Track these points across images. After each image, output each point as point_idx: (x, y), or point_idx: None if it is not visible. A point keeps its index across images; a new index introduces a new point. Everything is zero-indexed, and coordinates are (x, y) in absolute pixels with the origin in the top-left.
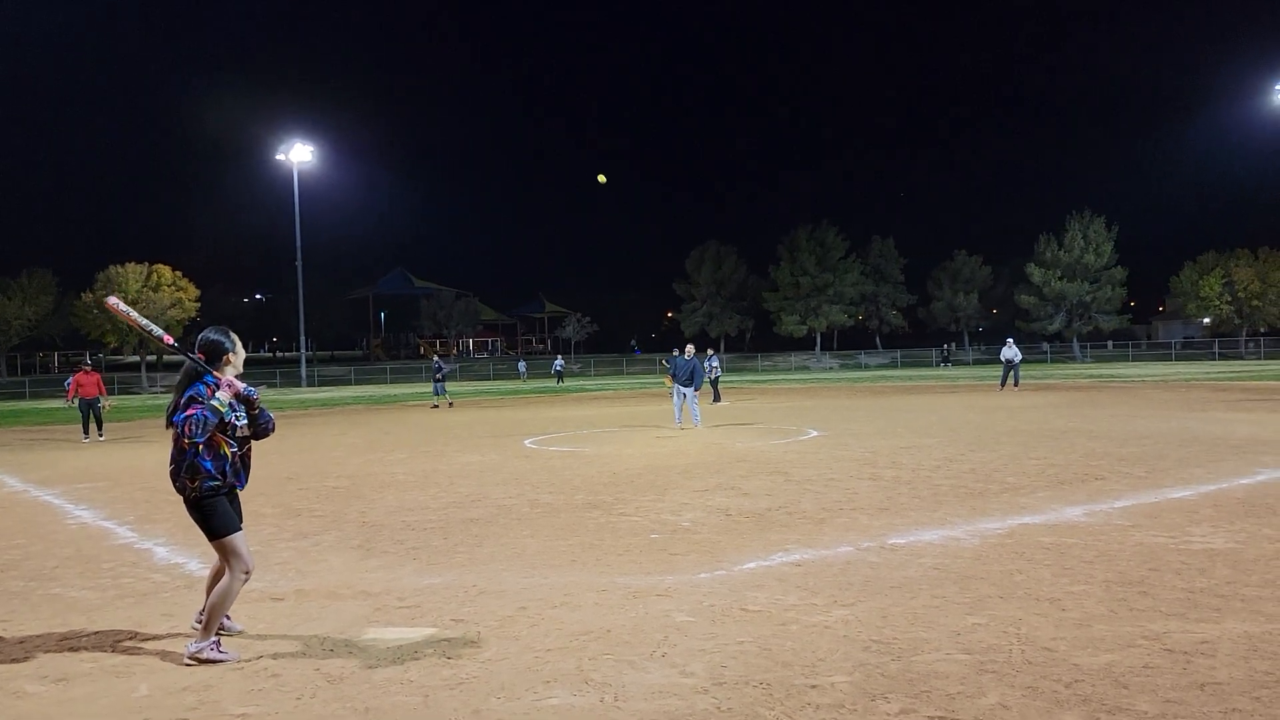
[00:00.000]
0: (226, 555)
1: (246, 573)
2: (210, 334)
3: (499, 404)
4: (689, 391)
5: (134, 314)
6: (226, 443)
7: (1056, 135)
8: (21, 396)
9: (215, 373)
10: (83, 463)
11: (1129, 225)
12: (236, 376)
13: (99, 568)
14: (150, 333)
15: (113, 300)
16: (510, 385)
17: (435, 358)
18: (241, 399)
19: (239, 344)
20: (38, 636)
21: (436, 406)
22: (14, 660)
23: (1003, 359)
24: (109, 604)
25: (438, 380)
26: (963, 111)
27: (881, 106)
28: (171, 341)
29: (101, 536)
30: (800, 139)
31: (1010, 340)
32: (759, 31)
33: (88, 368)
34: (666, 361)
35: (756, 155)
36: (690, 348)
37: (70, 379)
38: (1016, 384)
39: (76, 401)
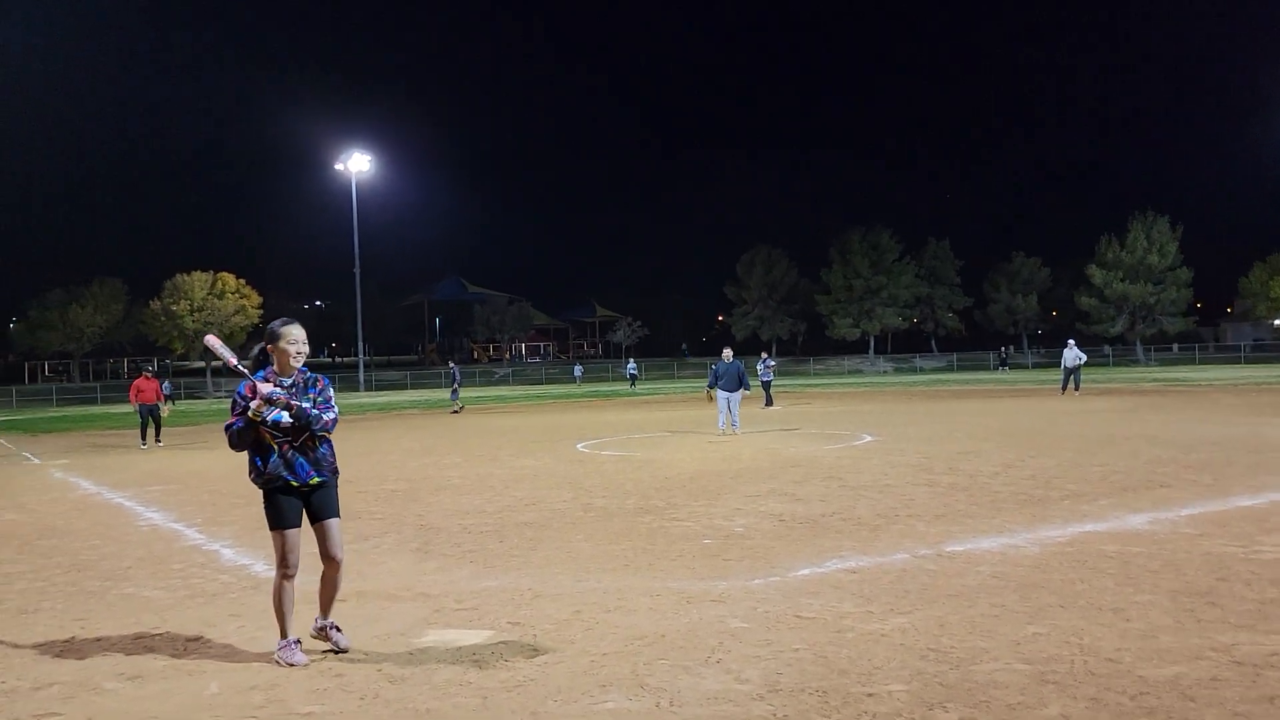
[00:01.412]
0: (273, 549)
1: (286, 572)
2: (273, 325)
3: (551, 408)
4: (735, 397)
5: (228, 352)
6: (271, 435)
7: (1118, 133)
8: (93, 401)
9: (267, 371)
10: (152, 466)
11: (1195, 225)
12: (296, 365)
13: (169, 568)
14: (240, 370)
15: (211, 339)
16: (562, 389)
17: (451, 364)
18: (268, 399)
19: (288, 335)
20: (114, 635)
21: (457, 411)
22: (92, 658)
23: (1064, 364)
24: (179, 604)
25: (456, 386)
26: (1020, 109)
27: (936, 105)
28: (252, 379)
29: (171, 538)
30: (852, 139)
31: (1071, 342)
32: (811, 32)
33: (149, 373)
34: (713, 366)
35: (807, 157)
36: (728, 351)
37: (133, 383)
38: (1077, 388)
39: (137, 406)
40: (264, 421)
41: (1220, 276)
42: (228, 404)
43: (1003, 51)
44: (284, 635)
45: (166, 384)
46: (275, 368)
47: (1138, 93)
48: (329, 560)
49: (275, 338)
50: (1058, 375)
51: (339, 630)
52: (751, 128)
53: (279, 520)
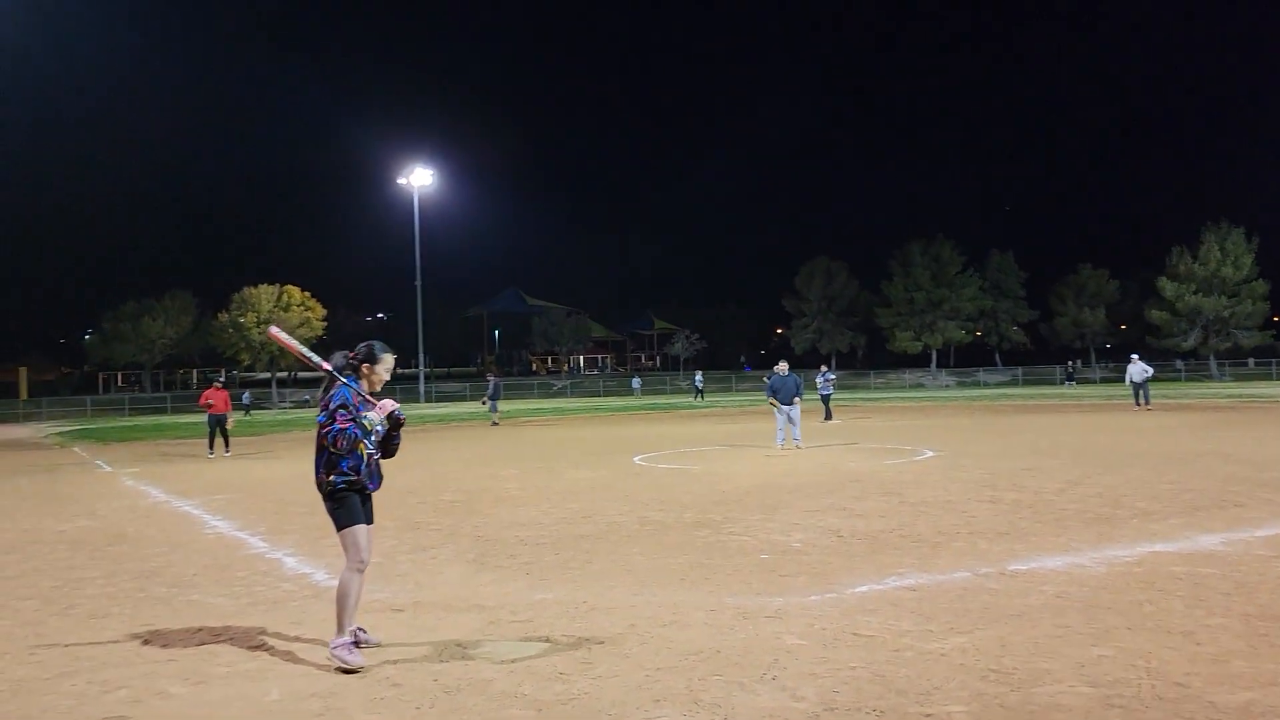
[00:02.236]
0: (345, 546)
1: (361, 566)
2: (367, 343)
3: (609, 420)
4: (794, 410)
5: (294, 341)
6: (365, 444)
7: (1189, 142)
8: (163, 411)
9: (358, 383)
10: (218, 475)
11: (1272, 235)
12: (374, 389)
13: (233, 576)
14: (309, 359)
15: (274, 330)
16: (620, 402)
17: (490, 377)
18: (391, 419)
19: (387, 363)
20: (179, 640)
21: (496, 424)
22: (158, 662)
23: (1129, 379)
24: (243, 611)
25: (493, 399)
26: (1087, 118)
27: (999, 115)
28: (328, 367)
29: (236, 546)
30: (914, 150)
31: (1135, 357)
32: (871, 43)
33: (219, 384)
34: (767, 379)
35: (867, 167)
36: (784, 364)
37: (205, 392)
38: (1147, 402)
39: (207, 417)
40: (368, 430)
41: None
42: (294, 414)
43: (1068, 61)
44: (344, 630)
45: (247, 395)
46: (365, 385)
47: (1209, 100)
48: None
49: (375, 360)
50: (1126, 390)
51: (365, 631)
52: (812, 139)
53: (357, 516)
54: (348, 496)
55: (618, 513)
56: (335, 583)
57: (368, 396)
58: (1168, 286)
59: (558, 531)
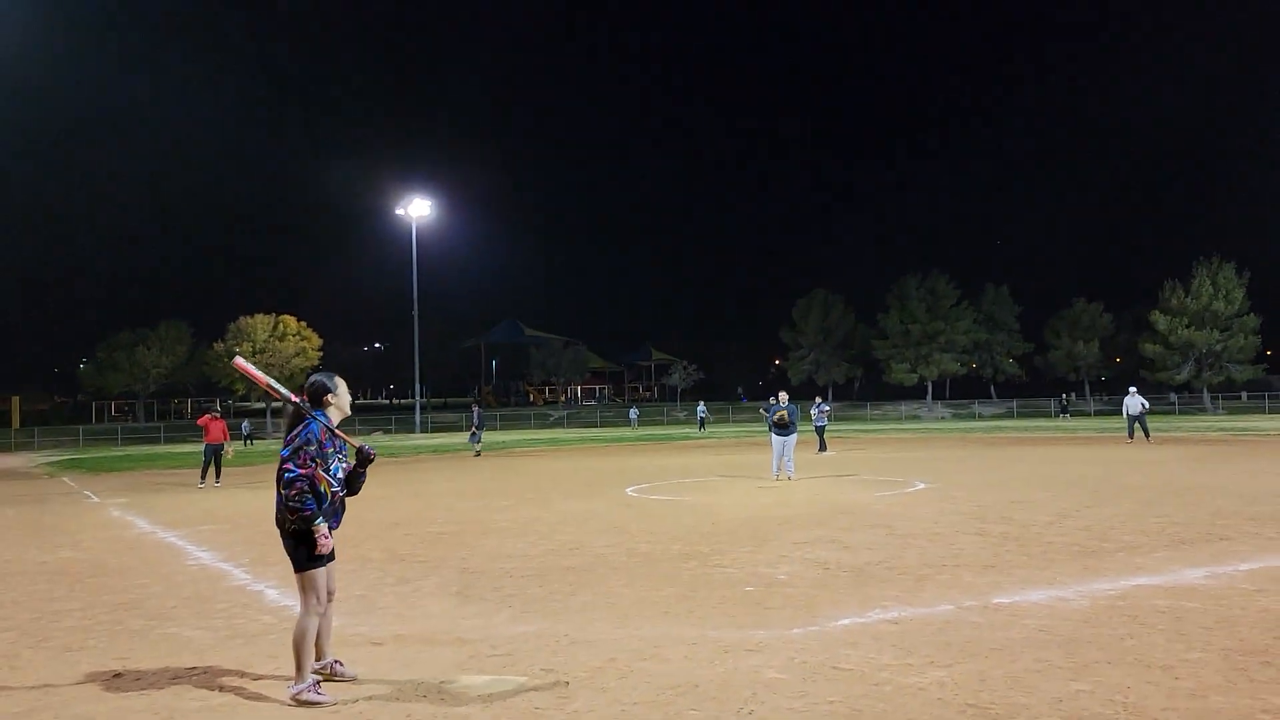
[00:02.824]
0: (303, 588)
1: (320, 609)
2: (315, 376)
3: (605, 451)
4: (789, 441)
5: (258, 371)
6: (329, 481)
7: (1181, 178)
8: (156, 440)
9: (326, 415)
10: (208, 506)
11: (1263, 270)
12: (341, 421)
13: (214, 608)
14: (277, 391)
15: (239, 360)
16: (616, 433)
17: (475, 408)
18: (360, 455)
19: (343, 388)
20: (152, 674)
21: (479, 454)
22: (128, 698)
23: (1126, 412)
24: (220, 644)
25: (476, 429)
26: (1080, 153)
27: (994, 151)
28: (296, 399)
29: (219, 577)
30: (909, 184)
31: (1133, 390)
32: (868, 80)
33: (216, 413)
34: (764, 410)
35: (864, 201)
36: (784, 394)
37: (201, 419)
38: (1147, 435)
39: (204, 446)
40: (328, 465)
41: None
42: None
43: (1064, 97)
44: (306, 675)
45: (247, 424)
46: (336, 414)
47: (1201, 136)
48: (330, 598)
49: (331, 390)
50: (1122, 423)
51: (342, 664)
52: (807, 173)
53: (323, 558)
54: (310, 537)
55: (606, 545)
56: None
57: (336, 432)
58: (1161, 320)
59: (544, 564)
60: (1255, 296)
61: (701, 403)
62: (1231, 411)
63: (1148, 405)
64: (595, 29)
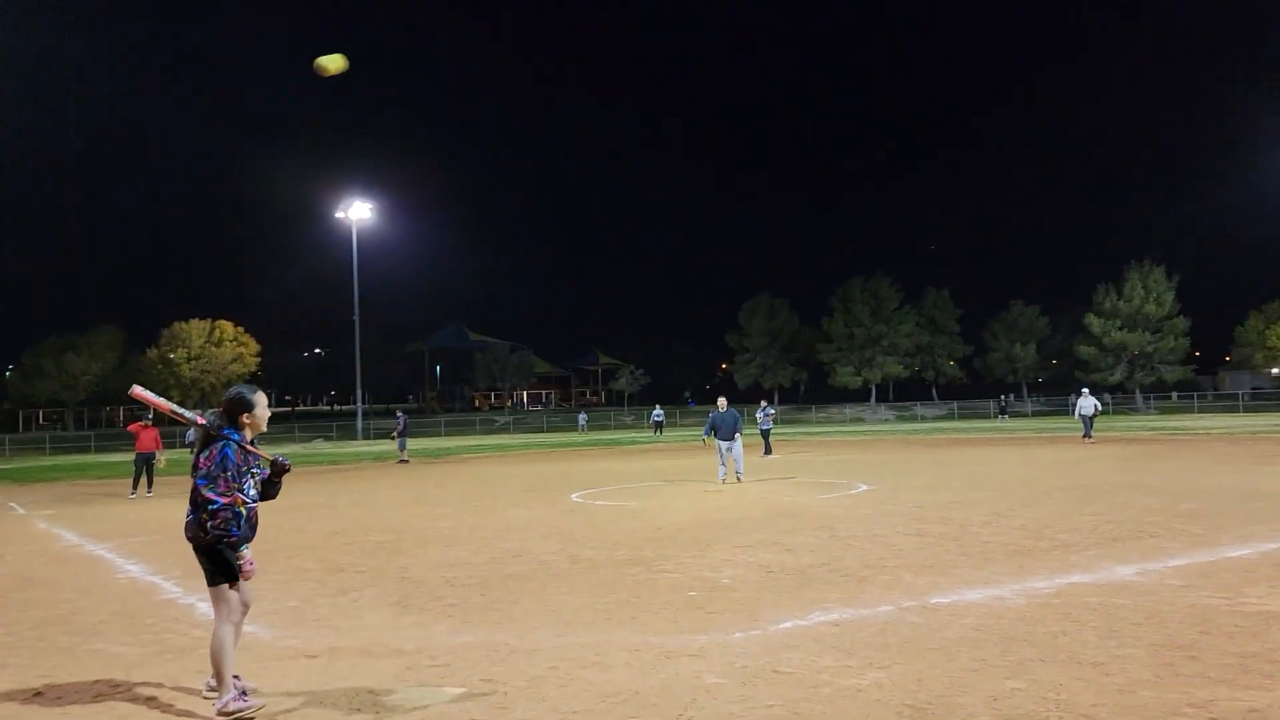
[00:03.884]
0: (217, 601)
1: (235, 620)
2: (236, 389)
3: (551, 457)
4: (736, 445)
5: (157, 398)
6: (244, 500)
7: (1117, 183)
8: (87, 450)
9: (241, 435)
10: (138, 517)
11: (1192, 274)
12: (258, 436)
13: (143, 623)
14: (181, 416)
15: (137, 388)
16: (563, 438)
17: (400, 414)
18: (275, 466)
19: (262, 404)
20: (76, 691)
21: (406, 461)
22: (50, 714)
23: (1080, 412)
24: (149, 660)
25: (399, 435)
26: (1019, 160)
27: (935, 157)
28: (202, 421)
29: (149, 591)
30: (854, 190)
31: (1086, 390)
32: (811, 84)
33: (146, 421)
34: (710, 415)
35: (810, 207)
36: (723, 400)
37: (131, 426)
38: (1089, 436)
39: (135, 455)
40: (243, 490)
41: (1218, 325)
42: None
43: (1001, 102)
44: (229, 685)
45: (191, 432)
46: (249, 433)
47: (1133, 142)
48: (245, 610)
49: (250, 406)
50: (1058, 423)
51: (240, 678)
52: (754, 177)
53: (233, 573)
54: (226, 551)
55: (549, 551)
56: (250, 628)
57: (250, 448)
58: (1095, 323)
59: (486, 572)
60: (1184, 299)
61: (658, 407)
62: (1162, 411)
63: (1099, 406)
64: (539, 30)
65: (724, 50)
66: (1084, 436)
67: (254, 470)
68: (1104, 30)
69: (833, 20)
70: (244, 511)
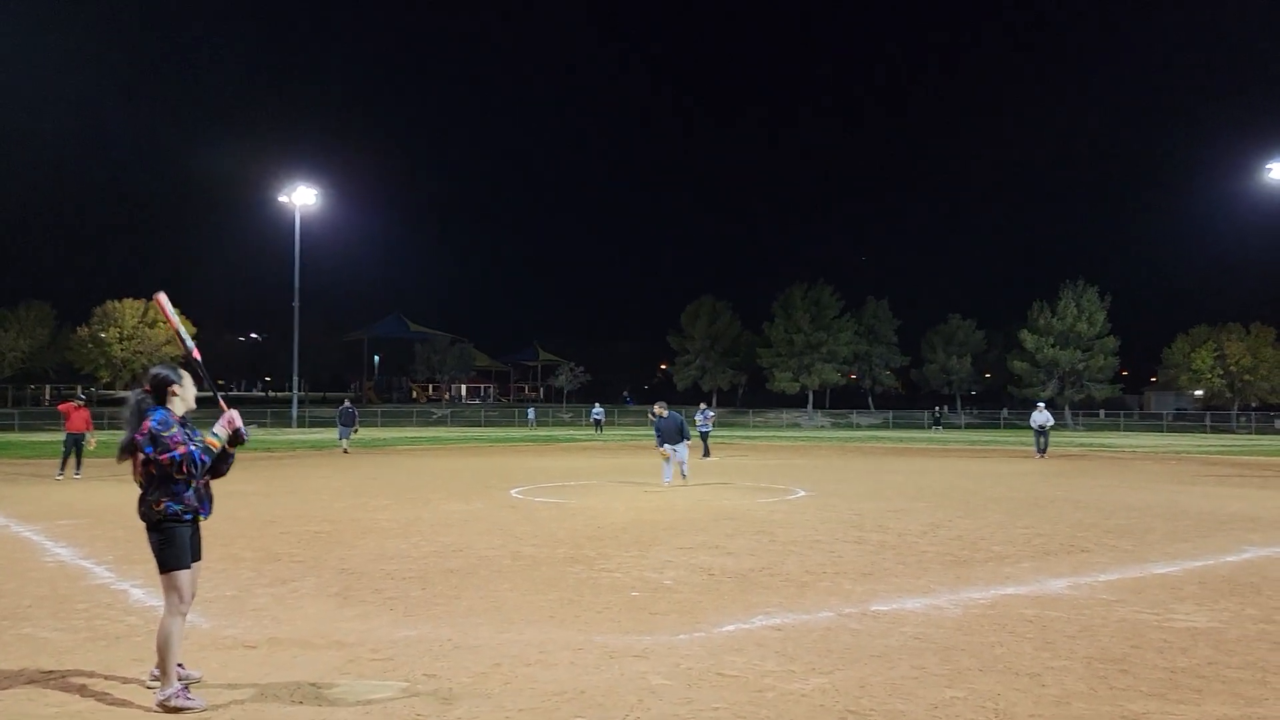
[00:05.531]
0: (167, 589)
1: (184, 610)
2: (156, 369)
3: (488, 452)
4: (681, 449)
5: (175, 317)
6: (213, 439)
7: (1052, 204)
8: (11, 429)
9: (168, 409)
10: (66, 498)
11: (1122, 295)
12: (186, 413)
13: (73, 608)
14: (184, 341)
15: (161, 297)
16: (501, 432)
17: (347, 402)
18: (234, 435)
19: (188, 380)
20: (4, 678)
21: (347, 451)
22: None
23: (1033, 425)
24: (80, 646)
25: (347, 425)
26: (959, 177)
27: (879, 169)
28: (198, 356)
29: (78, 576)
30: (796, 197)
31: (1041, 405)
32: (759, 89)
33: (79, 402)
34: (652, 417)
35: (755, 213)
36: (661, 404)
37: (62, 406)
38: (1041, 452)
39: (65, 435)
40: (211, 453)
41: (1145, 346)
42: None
43: (942, 121)
44: (174, 679)
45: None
46: (181, 406)
47: (1071, 164)
48: (192, 597)
49: (176, 378)
50: (990, 437)
51: (183, 666)
52: (699, 178)
53: (184, 558)
54: (177, 530)
55: (490, 547)
56: (188, 616)
57: (182, 420)
58: (1029, 339)
59: (426, 565)
60: (1115, 320)
61: (598, 404)
62: (1090, 428)
63: (1052, 420)
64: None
65: (673, 46)
66: (1040, 453)
67: (194, 440)
68: (1047, 54)
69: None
70: (193, 484)
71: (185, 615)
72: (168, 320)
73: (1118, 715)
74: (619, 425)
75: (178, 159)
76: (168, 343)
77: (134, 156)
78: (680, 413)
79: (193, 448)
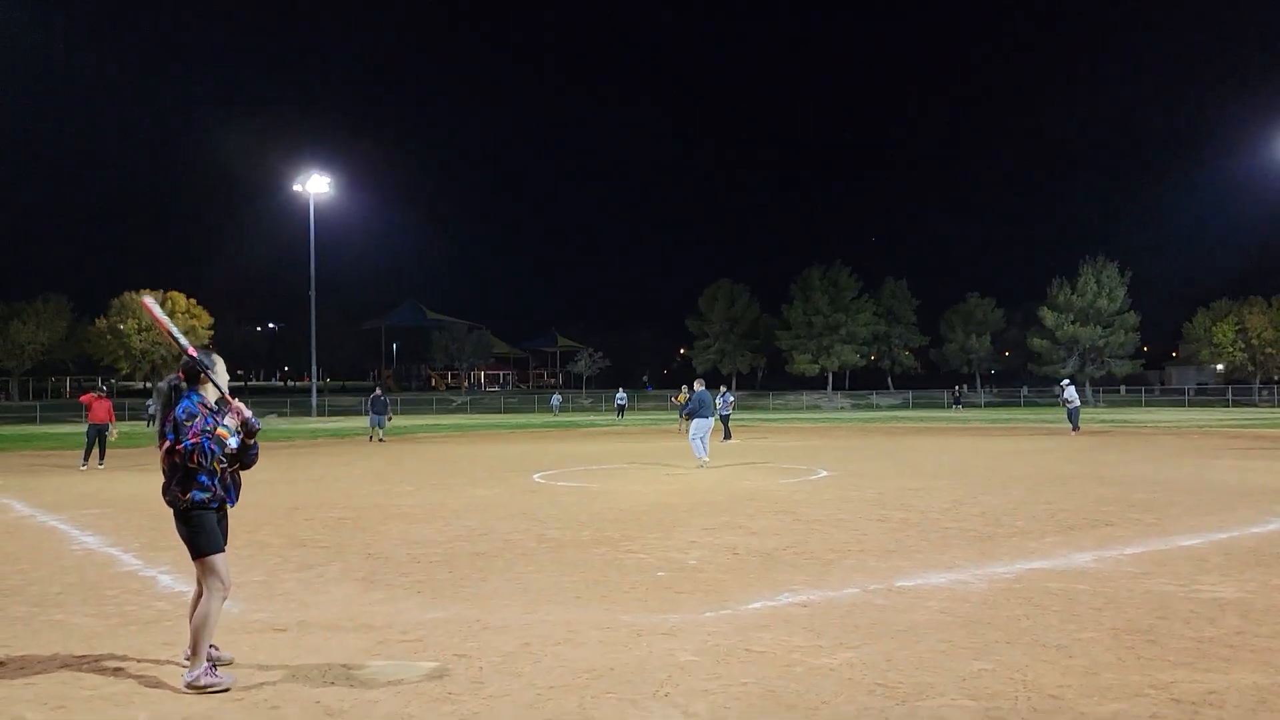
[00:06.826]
0: (206, 574)
1: (226, 594)
2: (189, 354)
3: (509, 437)
4: (708, 425)
5: (164, 318)
6: (218, 459)
7: (1071, 180)
8: (32, 420)
9: (203, 395)
10: (90, 488)
11: (1143, 270)
12: (219, 398)
13: (103, 594)
14: (177, 340)
15: (148, 300)
16: (521, 419)
17: (378, 390)
18: (244, 426)
19: (220, 365)
20: (39, 662)
21: (376, 439)
22: (14, 687)
23: (1062, 402)
24: (111, 631)
25: (379, 413)
26: (977, 155)
27: (896, 149)
28: (194, 352)
29: (106, 563)
30: (815, 179)
31: (1066, 382)
32: (776, 72)
33: (100, 392)
34: (687, 391)
35: (772, 194)
36: (699, 382)
37: (84, 397)
38: (1076, 429)
39: (87, 426)
40: (221, 444)
41: (1166, 321)
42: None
43: (961, 99)
44: (203, 660)
45: (152, 403)
46: (211, 392)
47: (1091, 140)
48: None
49: (210, 364)
50: (1010, 414)
51: (217, 648)
52: (717, 163)
53: (217, 543)
54: (204, 517)
55: (514, 530)
56: (189, 598)
57: (213, 405)
58: (1048, 316)
59: (452, 549)
60: (1135, 295)
61: (621, 389)
62: (1111, 404)
63: (1077, 400)
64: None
65: (690, 36)
66: (1076, 429)
67: (220, 424)
68: (1063, 27)
69: (798, 12)
70: (216, 469)
71: (225, 598)
72: (157, 323)
73: (1146, 684)
74: (640, 411)
75: (193, 151)
76: (186, 333)
77: (149, 149)
78: (708, 392)
79: (204, 439)
